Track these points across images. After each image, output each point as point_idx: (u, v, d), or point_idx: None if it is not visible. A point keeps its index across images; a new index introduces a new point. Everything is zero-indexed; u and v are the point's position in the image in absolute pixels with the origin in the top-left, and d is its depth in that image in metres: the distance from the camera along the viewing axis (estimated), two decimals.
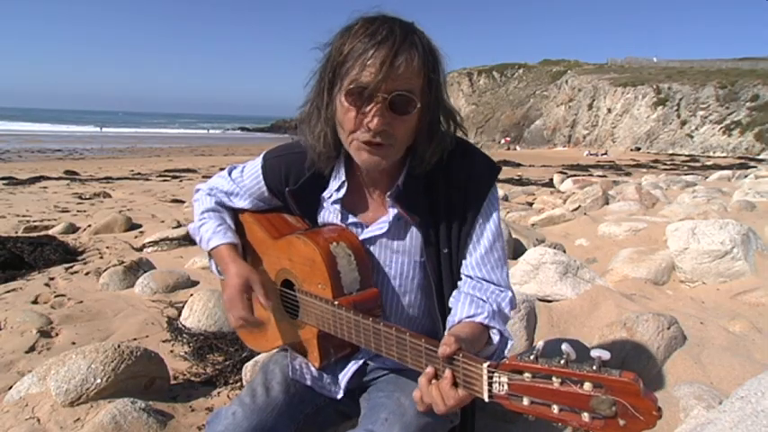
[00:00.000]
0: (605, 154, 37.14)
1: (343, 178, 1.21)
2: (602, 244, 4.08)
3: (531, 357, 0.75)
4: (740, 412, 1.32)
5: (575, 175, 13.93)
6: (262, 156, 1.32)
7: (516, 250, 3.81)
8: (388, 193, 1.17)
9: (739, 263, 2.86)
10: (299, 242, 1.18)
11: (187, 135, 57.39)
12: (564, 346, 0.72)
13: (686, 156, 35.08)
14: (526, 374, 0.75)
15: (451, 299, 1.18)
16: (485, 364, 0.82)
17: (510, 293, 1.17)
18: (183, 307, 2.84)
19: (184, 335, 2.55)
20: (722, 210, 4.86)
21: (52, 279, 3.71)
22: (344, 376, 1.24)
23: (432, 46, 1.07)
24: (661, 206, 5.80)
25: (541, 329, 2.32)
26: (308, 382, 1.25)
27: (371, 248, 1.21)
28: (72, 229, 5.70)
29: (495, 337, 1.10)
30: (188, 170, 15.89)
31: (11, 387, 1.98)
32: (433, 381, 0.91)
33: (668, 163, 26.93)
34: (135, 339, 2.56)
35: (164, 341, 2.55)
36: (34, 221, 6.31)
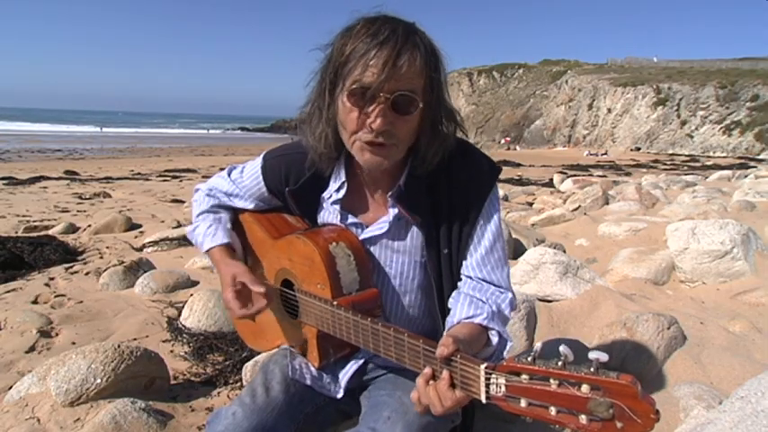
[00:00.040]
0: (605, 154, 37.13)
1: (344, 179, 1.21)
2: (602, 244, 4.08)
3: (529, 359, 0.75)
4: (740, 412, 1.32)
5: (575, 175, 13.92)
6: (262, 156, 1.32)
7: (516, 250, 3.82)
8: (390, 193, 1.17)
9: (739, 263, 2.86)
10: (298, 242, 1.19)
11: (187, 135, 57.41)
12: (562, 348, 0.72)
13: (686, 156, 35.06)
14: (523, 376, 0.75)
15: (451, 299, 1.18)
16: (482, 366, 0.82)
17: (510, 295, 1.17)
18: (183, 307, 2.84)
19: (184, 335, 2.55)
20: (722, 210, 4.86)
21: (52, 279, 3.71)
22: (345, 375, 1.24)
23: (433, 46, 1.07)
24: (661, 206, 5.80)
25: (541, 329, 2.32)
26: (308, 382, 1.24)
27: (372, 248, 1.21)
28: (72, 229, 5.70)
29: (494, 339, 1.10)
30: (188, 170, 15.89)
31: (11, 387, 1.98)
32: (431, 382, 0.91)
33: (668, 163, 26.92)
34: (135, 339, 2.56)
35: (164, 341, 2.55)
36: (34, 221, 6.31)
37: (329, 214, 1.25)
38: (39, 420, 1.75)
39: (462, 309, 1.12)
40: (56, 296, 3.29)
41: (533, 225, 5.17)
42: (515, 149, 45.11)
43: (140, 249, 4.77)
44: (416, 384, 0.93)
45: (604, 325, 2.18)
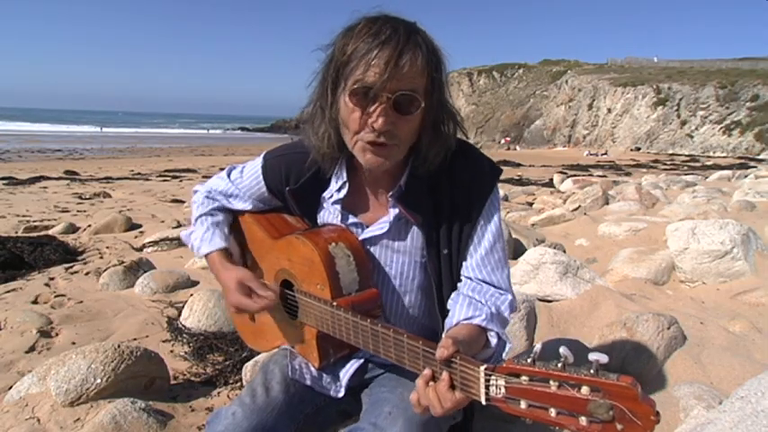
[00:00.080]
0: (605, 154, 37.13)
1: (345, 178, 1.21)
2: (602, 244, 4.07)
3: (529, 360, 0.75)
4: (740, 412, 1.32)
5: (575, 175, 13.92)
6: (262, 156, 1.32)
7: (516, 250, 3.82)
8: (390, 193, 1.17)
9: (739, 263, 2.86)
10: (297, 242, 1.18)
11: (187, 135, 57.39)
12: (561, 350, 0.71)
13: (686, 156, 35.06)
14: (523, 377, 0.75)
15: (450, 300, 1.17)
16: (482, 367, 0.82)
17: (510, 296, 1.17)
18: (183, 307, 2.84)
19: (184, 335, 2.56)
20: (722, 210, 4.86)
21: (52, 279, 3.71)
22: (345, 375, 1.24)
23: (434, 46, 1.07)
24: (661, 206, 5.80)
25: (541, 329, 2.32)
26: (308, 382, 1.24)
27: (372, 248, 1.21)
28: (72, 229, 5.70)
29: (493, 340, 1.10)
30: (188, 170, 15.89)
31: (11, 387, 1.98)
32: (431, 383, 0.91)
33: (668, 163, 26.92)
34: (135, 339, 2.56)
35: (164, 341, 2.55)
36: (34, 221, 6.31)
37: (330, 214, 1.25)
38: (39, 420, 1.75)
39: (461, 310, 1.12)
40: (56, 296, 3.29)
41: (533, 225, 5.17)
42: (515, 149, 45.11)
43: (140, 249, 4.77)
44: (416, 386, 0.93)
45: (604, 325, 2.18)
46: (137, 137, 47.50)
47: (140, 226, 6.00)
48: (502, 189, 9.45)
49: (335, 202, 1.23)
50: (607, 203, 6.36)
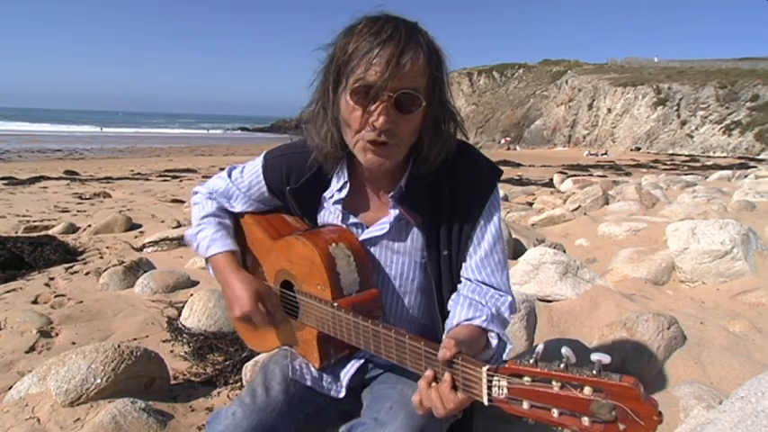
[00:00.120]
0: (605, 154, 37.13)
1: (346, 178, 1.21)
2: (602, 244, 4.07)
3: (531, 361, 0.75)
4: (740, 412, 1.32)
5: (575, 175, 13.92)
6: (262, 155, 1.32)
7: (516, 250, 3.81)
8: (391, 194, 1.17)
9: (739, 263, 2.86)
10: (298, 243, 1.18)
11: (187, 135, 57.39)
12: (564, 350, 0.71)
13: (686, 156, 35.06)
14: (526, 378, 0.75)
15: (450, 301, 1.17)
16: (484, 368, 0.82)
17: (510, 298, 1.17)
18: (183, 307, 2.84)
19: (184, 335, 2.55)
20: (722, 210, 4.86)
21: (52, 279, 3.71)
22: (346, 375, 1.24)
23: (435, 45, 1.07)
24: (661, 206, 5.80)
25: (541, 329, 2.32)
26: (309, 383, 1.24)
27: (372, 249, 1.21)
28: (72, 229, 5.70)
29: (494, 341, 1.10)
30: (188, 170, 15.89)
31: (11, 387, 1.98)
32: (433, 384, 0.91)
33: (668, 163, 26.92)
34: (135, 339, 2.56)
35: (164, 341, 2.55)
36: (34, 221, 6.31)
37: (330, 214, 1.25)
38: (39, 420, 1.75)
39: (462, 311, 1.12)
40: (56, 296, 3.29)
41: (533, 225, 5.17)
42: (515, 149, 45.11)
43: (140, 249, 4.77)
44: (419, 387, 0.93)
45: (604, 325, 2.18)
46: (137, 137, 47.49)
47: (140, 226, 5.99)
48: (502, 189, 9.46)
49: (336, 202, 1.23)
50: (607, 203, 6.36)
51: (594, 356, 0.68)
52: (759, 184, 6.84)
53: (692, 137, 41.13)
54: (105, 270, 3.64)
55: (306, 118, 1.18)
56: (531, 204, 7.82)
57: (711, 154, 36.87)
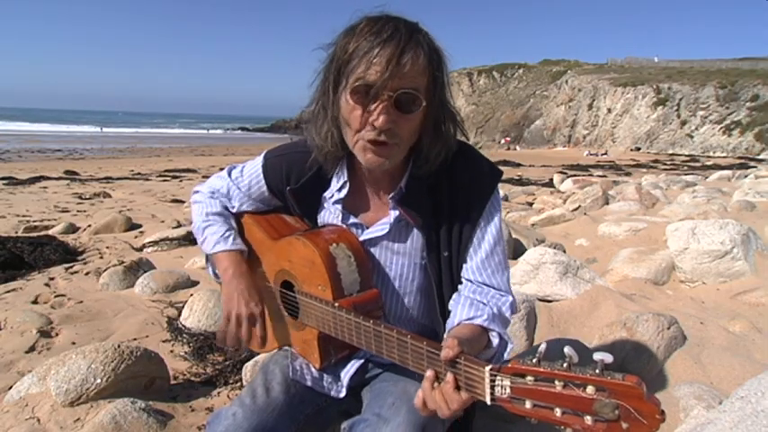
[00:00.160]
0: (605, 154, 37.14)
1: (346, 178, 1.21)
2: (602, 244, 4.07)
3: (534, 360, 0.75)
4: (740, 412, 1.32)
5: (575, 175, 13.92)
6: (262, 155, 1.32)
7: (516, 250, 3.81)
8: (391, 195, 1.17)
9: (739, 263, 2.86)
10: (298, 243, 1.18)
11: (187, 135, 57.41)
12: (566, 350, 0.71)
13: (686, 156, 35.07)
14: (528, 378, 0.75)
15: (451, 301, 1.17)
16: (487, 368, 0.82)
17: (511, 298, 1.17)
18: (183, 307, 2.84)
19: (184, 335, 2.55)
20: (722, 210, 4.86)
21: (52, 279, 3.71)
22: (347, 374, 1.24)
23: (436, 45, 1.07)
24: (661, 206, 5.80)
25: (541, 329, 2.32)
26: (309, 383, 1.24)
27: (372, 250, 1.21)
28: (72, 229, 5.70)
29: (495, 340, 1.10)
30: (188, 170, 15.88)
31: (11, 387, 1.98)
32: (436, 384, 0.90)
33: (668, 163, 26.93)
34: (135, 339, 2.56)
35: (164, 341, 2.55)
36: (34, 221, 6.31)
37: (330, 214, 1.25)
38: (39, 420, 1.75)
39: (463, 310, 1.12)
40: (56, 296, 3.28)
41: (533, 225, 5.17)
42: (515, 149, 45.12)
43: (140, 249, 4.76)
44: (422, 388, 0.92)
45: (604, 325, 2.18)
46: (137, 137, 47.50)
47: (140, 226, 5.99)
48: (502, 189, 9.46)
49: (336, 202, 1.23)
50: (607, 203, 6.36)
51: (597, 356, 0.69)
52: (759, 184, 6.84)
53: (692, 137, 41.14)
54: (105, 270, 3.64)
55: (306, 118, 1.18)
56: (531, 204, 7.82)
57: (711, 154, 36.88)
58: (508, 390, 0.78)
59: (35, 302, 3.19)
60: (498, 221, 1.18)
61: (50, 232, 5.46)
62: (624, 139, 44.58)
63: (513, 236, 3.97)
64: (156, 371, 2.00)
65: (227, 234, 1.29)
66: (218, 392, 2.05)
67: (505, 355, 1.11)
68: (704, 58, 54.12)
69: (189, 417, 1.86)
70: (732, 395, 1.44)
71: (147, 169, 16.22)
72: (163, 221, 6.42)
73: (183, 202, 8.43)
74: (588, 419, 0.69)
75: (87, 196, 9.20)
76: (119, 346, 1.92)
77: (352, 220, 1.23)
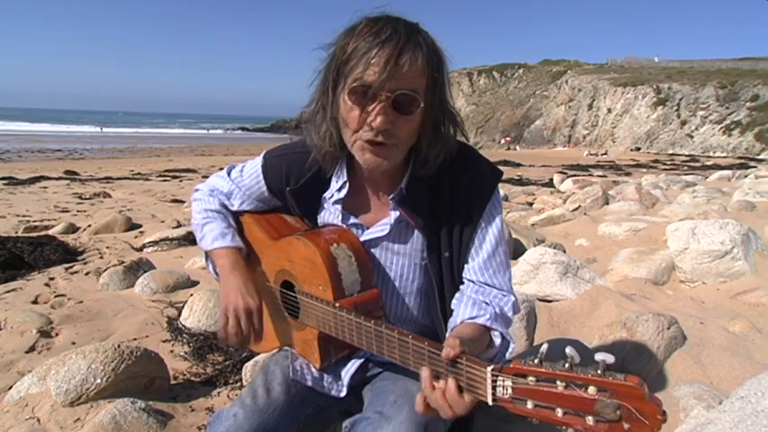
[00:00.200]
0: (605, 154, 37.13)
1: (345, 178, 1.21)
2: (602, 244, 4.07)
3: (536, 361, 0.75)
4: (740, 412, 1.32)
5: (575, 175, 13.92)
6: (262, 155, 1.32)
7: (516, 250, 3.81)
8: (391, 196, 1.17)
9: (739, 263, 2.86)
10: (299, 243, 1.18)
11: (187, 135, 57.40)
12: (568, 350, 0.71)
13: (686, 156, 35.07)
14: (530, 378, 0.75)
15: (454, 301, 1.17)
16: (489, 368, 0.82)
17: (513, 298, 1.17)
18: (183, 307, 2.84)
19: (184, 335, 2.55)
20: (722, 210, 4.86)
21: (52, 279, 3.71)
22: (347, 374, 1.24)
23: (436, 46, 1.07)
24: (661, 206, 5.80)
25: (541, 329, 2.32)
26: (309, 383, 1.24)
27: (372, 250, 1.21)
28: (72, 229, 5.70)
29: (497, 340, 1.10)
30: (188, 170, 15.88)
31: (11, 387, 1.98)
32: (437, 385, 0.90)
33: (668, 163, 26.92)
34: (135, 339, 2.56)
35: (164, 341, 2.55)
36: (34, 221, 6.30)
37: (330, 214, 1.25)
38: (39, 420, 1.75)
39: (465, 310, 1.12)
40: (56, 296, 3.28)
41: (533, 225, 5.17)
42: (515, 149, 45.12)
43: (140, 249, 4.76)
44: (423, 388, 0.92)
45: (604, 325, 2.18)
46: (137, 137, 47.50)
47: (140, 226, 5.99)
48: (502, 189, 9.45)
49: (336, 202, 1.23)
50: (607, 203, 6.36)
51: (599, 356, 0.69)
52: (759, 184, 6.84)
53: (691, 137, 41.14)
54: (105, 270, 3.63)
55: (306, 118, 1.18)
56: (531, 204, 7.82)
57: (711, 154, 36.88)
58: (510, 390, 0.78)
59: (35, 302, 3.19)
60: (500, 222, 1.18)
61: (50, 232, 5.46)
62: (624, 139, 44.58)
63: (514, 236, 3.97)
64: (156, 371, 2.00)
65: (226, 231, 1.30)
66: (219, 392, 2.05)
67: (507, 355, 1.11)
68: (704, 58, 54.18)
69: (189, 417, 1.86)
70: (732, 395, 1.44)
71: (147, 169, 16.22)
72: (163, 221, 6.42)
73: (183, 202, 8.43)
74: (590, 420, 0.69)
75: (87, 196, 9.20)
76: (119, 346, 1.92)
77: (353, 220, 1.23)
